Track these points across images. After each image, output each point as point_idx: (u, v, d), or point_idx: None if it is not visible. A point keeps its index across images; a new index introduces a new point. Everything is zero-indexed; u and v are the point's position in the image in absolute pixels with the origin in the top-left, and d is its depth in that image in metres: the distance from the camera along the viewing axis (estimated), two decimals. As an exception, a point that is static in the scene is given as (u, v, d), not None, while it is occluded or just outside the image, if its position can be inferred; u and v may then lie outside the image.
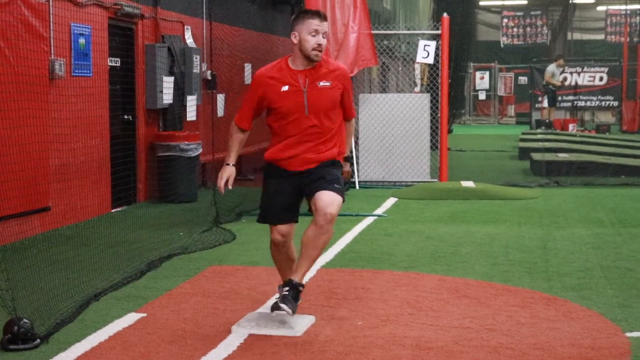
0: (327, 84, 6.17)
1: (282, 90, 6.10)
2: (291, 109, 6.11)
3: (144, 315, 6.62)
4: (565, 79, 30.83)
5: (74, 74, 11.06)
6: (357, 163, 15.78)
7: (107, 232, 10.51)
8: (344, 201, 6.18)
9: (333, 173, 6.18)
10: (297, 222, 6.33)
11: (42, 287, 7.22)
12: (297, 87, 6.11)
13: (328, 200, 6.02)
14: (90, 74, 11.46)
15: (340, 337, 6.01)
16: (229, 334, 6.09)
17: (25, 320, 5.82)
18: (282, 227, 6.23)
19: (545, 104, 28.57)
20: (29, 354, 5.64)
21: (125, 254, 9.00)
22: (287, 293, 6.07)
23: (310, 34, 6.08)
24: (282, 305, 6.00)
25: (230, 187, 6.25)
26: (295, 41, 6.13)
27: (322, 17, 6.17)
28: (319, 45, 6.08)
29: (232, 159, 6.33)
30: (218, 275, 8.09)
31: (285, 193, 6.24)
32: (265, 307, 6.82)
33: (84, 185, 11.17)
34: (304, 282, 6.22)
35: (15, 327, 5.75)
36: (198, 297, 7.20)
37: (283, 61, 6.23)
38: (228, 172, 6.26)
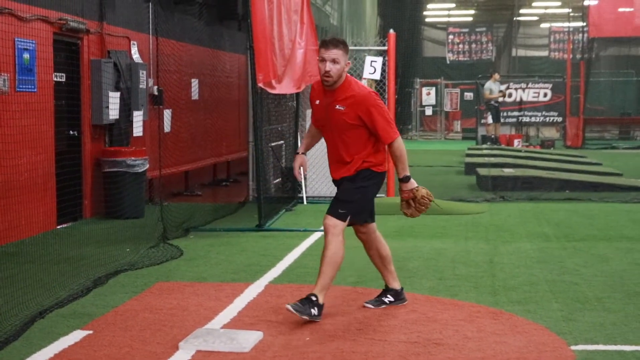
0: (342, 108, 6.88)
1: (316, 102, 7.05)
2: (321, 121, 7.06)
3: (90, 332, 6.55)
4: (507, 87, 31.14)
5: (18, 89, 10.95)
6: (305, 178, 15.78)
7: (52, 248, 10.40)
8: (361, 219, 7.44)
9: (349, 193, 7.10)
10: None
11: (-15, 305, 7.12)
12: (323, 104, 6.98)
13: (328, 217, 7.05)
14: (35, 90, 11.35)
15: (289, 353, 6.00)
16: (177, 350, 6.05)
17: (-32, 338, 5.74)
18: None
19: (490, 120, 28.83)
20: (-28, 373, 5.56)
21: (71, 271, 8.90)
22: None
23: (320, 62, 6.85)
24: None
25: (304, 174, 7.12)
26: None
27: (327, 45, 6.83)
28: (326, 72, 6.79)
29: (302, 148, 7.36)
30: (165, 291, 8.04)
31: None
32: (213, 323, 6.80)
33: (29, 201, 11.04)
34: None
35: (-42, 346, 5.67)
36: (145, 313, 7.15)
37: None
38: (298, 162, 7.29)
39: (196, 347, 6.08)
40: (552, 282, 8.48)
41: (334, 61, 6.77)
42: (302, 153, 7.34)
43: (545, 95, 32.30)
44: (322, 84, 6.95)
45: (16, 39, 10.84)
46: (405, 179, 7.31)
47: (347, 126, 6.88)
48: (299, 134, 15.89)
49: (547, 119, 32.52)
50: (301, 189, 15.52)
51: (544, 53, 43.46)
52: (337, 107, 6.86)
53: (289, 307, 6.66)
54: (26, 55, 11.12)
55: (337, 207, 7.01)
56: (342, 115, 6.86)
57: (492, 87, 28.30)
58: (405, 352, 6.03)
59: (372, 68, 15.64)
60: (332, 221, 6.99)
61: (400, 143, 7.05)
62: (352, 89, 6.89)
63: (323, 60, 6.80)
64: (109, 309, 7.35)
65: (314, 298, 6.75)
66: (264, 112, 13.51)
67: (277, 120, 15.60)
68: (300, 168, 7.29)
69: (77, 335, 6.47)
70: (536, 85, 32.44)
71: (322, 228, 12.05)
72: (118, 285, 8.34)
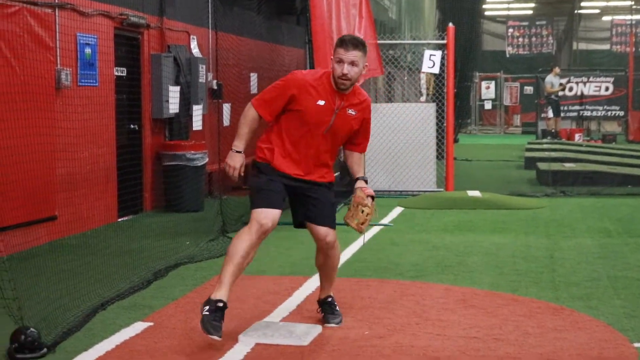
0: (353, 112, 6.28)
1: (318, 102, 6.15)
2: (315, 123, 6.16)
3: (151, 324, 6.62)
4: (568, 80, 30.78)
5: (80, 84, 11.08)
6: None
7: (113, 241, 10.52)
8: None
9: (330, 204, 6.42)
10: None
11: (48, 297, 7.22)
12: (331, 106, 6.18)
13: (323, 231, 6.34)
14: (97, 84, 11.48)
15: (347, 347, 6.00)
16: (236, 343, 6.08)
17: (32, 329, 5.82)
18: (276, 213, 6.13)
19: (550, 114, 28.55)
20: (36, 363, 5.64)
21: (132, 263, 9.00)
22: (327, 313, 6.62)
23: (337, 62, 6.17)
24: (334, 322, 6.56)
25: (242, 174, 6.19)
26: (331, 65, 6.23)
27: (347, 45, 6.16)
28: (344, 74, 6.11)
29: (242, 145, 6.24)
30: (224, 284, 8.07)
31: (279, 185, 6.21)
32: (272, 317, 6.82)
33: (91, 194, 11.18)
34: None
35: (22, 337, 5.75)
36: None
37: (325, 75, 6.25)
38: (239, 161, 6.18)
39: (255, 340, 6.11)
40: (614, 278, 8.38)
41: (352, 63, 6.12)
42: (242, 152, 6.25)
43: (606, 89, 31.86)
44: (329, 83, 6.21)
45: (78, 34, 10.97)
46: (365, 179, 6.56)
47: (350, 131, 6.34)
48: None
49: (609, 113, 32.08)
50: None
51: (606, 46, 42.86)
52: (349, 111, 6.25)
53: (334, 324, 6.54)
54: (88, 50, 11.25)
55: (332, 219, 6.41)
56: (352, 120, 6.28)
57: (553, 81, 28.03)
58: (464, 347, 5.99)
59: (431, 62, 15.59)
60: (334, 233, 6.43)
61: None
62: (361, 92, 6.41)
63: (341, 61, 6.13)
64: (169, 301, 7.41)
65: (333, 300, 6.71)
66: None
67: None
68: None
69: (137, 327, 6.54)
70: (597, 79, 32.01)
71: (381, 222, 12.13)
72: (178, 277, 8.41)
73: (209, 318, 5.80)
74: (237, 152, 6.19)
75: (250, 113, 6.22)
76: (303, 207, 6.37)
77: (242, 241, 5.99)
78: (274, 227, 6.10)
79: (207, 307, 5.86)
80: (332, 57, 6.24)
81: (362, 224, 6.36)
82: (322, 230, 6.35)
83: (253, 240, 5.99)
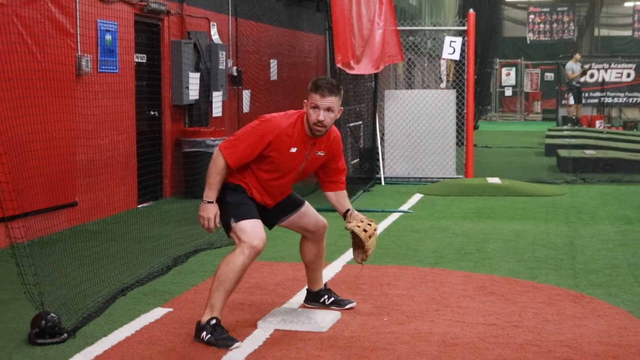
0: (322, 154, 6.14)
1: (290, 150, 5.94)
2: (286, 168, 6.01)
3: (170, 310, 6.64)
4: (589, 67, 30.56)
5: (101, 70, 11.11)
6: (383, 159, 15.76)
7: (133, 227, 10.56)
8: None
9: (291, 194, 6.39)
10: None
11: (69, 282, 7.25)
12: (302, 153, 6.00)
13: (320, 218, 6.46)
14: (117, 70, 11.51)
15: (366, 333, 6.01)
16: (255, 329, 6.11)
17: (52, 314, 5.86)
18: (262, 231, 5.94)
19: (571, 101, 28.39)
20: (57, 348, 5.67)
21: (152, 249, 9.03)
22: (336, 297, 6.71)
23: (312, 108, 5.92)
24: (352, 303, 6.70)
25: (218, 225, 5.94)
26: (305, 109, 6.01)
27: (323, 91, 5.89)
28: (319, 121, 5.89)
29: (214, 195, 5.90)
30: (244, 270, 8.09)
31: (253, 203, 6.07)
32: (291, 303, 6.84)
33: (111, 180, 11.22)
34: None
35: (43, 322, 5.79)
36: (224, 292, 7.21)
37: (300, 120, 6.00)
38: (213, 211, 5.88)
39: (274, 326, 6.13)
40: (635, 266, 8.35)
41: (328, 109, 5.87)
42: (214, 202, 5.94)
43: (628, 75, 31.66)
44: (303, 129, 5.97)
45: (99, 21, 11.00)
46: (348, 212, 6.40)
47: (315, 169, 6.26)
48: (377, 114, 15.85)
49: (630, 99, 31.88)
50: (379, 169, 15.49)
51: (628, 32, 42.54)
52: (318, 153, 6.09)
53: (353, 304, 6.69)
54: (108, 37, 11.27)
55: (311, 208, 6.45)
56: (320, 160, 6.16)
57: (574, 67, 27.88)
58: (483, 333, 5.99)
59: (452, 48, 15.55)
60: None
61: None
62: (332, 132, 6.18)
63: (316, 107, 5.86)
64: (189, 287, 7.44)
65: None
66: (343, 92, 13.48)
67: (356, 100, 15.59)
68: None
69: (157, 313, 6.57)
70: (619, 66, 31.80)
71: (401, 209, 12.12)
72: (197, 264, 8.44)
73: (215, 337, 5.71)
74: (209, 202, 5.88)
75: (219, 162, 5.86)
76: (274, 213, 6.29)
77: (235, 266, 5.76)
78: (265, 245, 5.90)
79: (204, 333, 5.74)
80: (305, 100, 5.98)
81: (368, 251, 6.39)
82: (317, 218, 6.43)
83: (245, 264, 5.80)
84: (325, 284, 6.76)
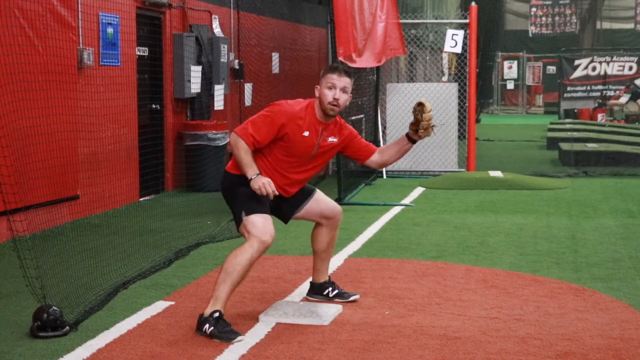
0: (335, 139, 6.26)
1: (303, 134, 6.06)
2: (299, 153, 6.11)
3: (172, 303, 6.65)
4: (591, 60, 30.43)
5: (102, 64, 11.11)
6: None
7: (135, 220, 10.56)
8: None
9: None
10: None
11: (71, 275, 7.26)
12: (314, 137, 6.12)
13: (335, 205, 6.59)
14: (119, 63, 11.50)
15: (368, 327, 6.02)
16: (257, 322, 6.11)
17: (54, 307, 5.87)
18: (272, 225, 5.97)
19: (623, 99, 28.19)
20: (58, 341, 5.68)
21: (154, 243, 9.04)
22: (339, 290, 6.74)
23: (328, 88, 6.09)
24: (355, 295, 6.76)
25: (277, 192, 5.97)
26: (317, 94, 6.16)
27: (340, 71, 6.14)
28: (335, 99, 6.07)
29: (255, 170, 5.95)
30: (245, 264, 8.09)
31: (265, 198, 6.02)
32: (293, 296, 6.84)
33: (113, 174, 11.22)
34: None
35: (45, 315, 5.79)
36: (226, 285, 7.21)
37: (310, 106, 6.17)
38: (263, 179, 5.90)
39: (276, 320, 6.13)
40: (637, 259, 8.35)
41: (343, 90, 6.11)
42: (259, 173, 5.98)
43: (630, 68, 31.63)
44: (314, 114, 6.13)
45: (100, 14, 10.99)
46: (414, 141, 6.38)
47: (330, 157, 6.41)
48: (379, 107, 15.84)
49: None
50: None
51: (630, 25, 42.47)
52: (330, 139, 6.22)
53: (357, 297, 6.76)
54: (110, 30, 11.26)
55: (323, 195, 6.61)
56: (334, 147, 6.31)
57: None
58: (485, 327, 5.99)
59: (454, 42, 15.53)
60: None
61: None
62: (345, 125, 6.38)
63: (333, 87, 6.08)
64: (191, 280, 7.45)
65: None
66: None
67: (357, 93, 15.57)
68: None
69: (159, 306, 6.57)
70: (621, 59, 31.78)
71: (403, 202, 12.13)
72: (199, 257, 8.44)
73: (218, 330, 5.71)
74: (257, 174, 5.94)
75: (241, 143, 5.94)
76: (287, 204, 6.35)
77: (243, 259, 5.78)
78: (273, 241, 5.97)
79: (206, 326, 5.74)
80: (317, 86, 6.16)
81: (426, 129, 6.30)
82: (333, 204, 6.54)
83: (254, 258, 5.82)
84: (329, 277, 6.77)
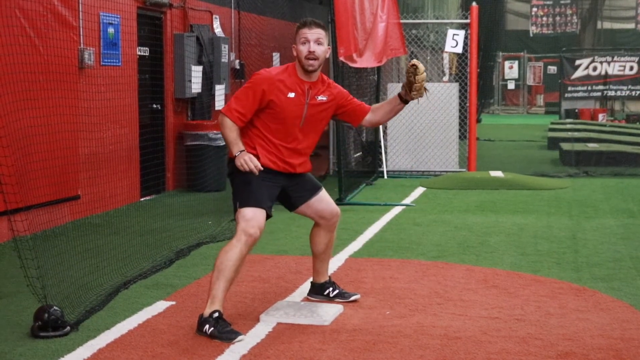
0: (325, 98, 6.17)
1: (288, 96, 6.00)
2: (289, 116, 6.03)
3: (173, 303, 6.65)
4: (592, 60, 30.42)
5: (103, 63, 11.11)
6: (386, 153, 15.75)
7: (136, 220, 10.57)
8: None
9: (310, 178, 6.39)
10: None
11: (72, 275, 7.27)
12: (301, 97, 6.06)
13: (334, 206, 6.47)
14: (119, 63, 11.50)
15: (369, 327, 6.02)
16: (258, 322, 6.11)
17: (55, 307, 5.87)
18: (263, 217, 5.95)
19: None
20: (59, 341, 5.68)
21: (154, 243, 9.04)
22: (340, 290, 6.74)
23: (302, 43, 6.06)
24: (355, 295, 6.75)
25: (261, 167, 5.88)
26: (295, 53, 6.13)
27: (310, 24, 6.09)
28: (311, 52, 6.02)
29: (239, 147, 5.91)
30: (246, 263, 8.05)
31: (270, 184, 6.05)
32: (294, 296, 6.84)
33: (113, 174, 11.22)
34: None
35: (46, 315, 5.79)
36: (226, 285, 7.21)
37: (290, 68, 6.15)
38: (249, 155, 5.85)
39: (277, 320, 6.13)
40: (637, 259, 8.34)
41: (317, 41, 6.04)
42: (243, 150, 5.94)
43: (631, 68, 31.59)
44: (295, 74, 6.08)
45: (101, 14, 10.99)
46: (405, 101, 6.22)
47: (324, 119, 6.25)
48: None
49: (633, 92, 31.81)
50: (382, 163, 15.49)
51: (631, 25, 42.43)
52: (319, 98, 6.13)
53: (357, 297, 6.74)
54: (111, 30, 11.26)
55: (328, 196, 6.50)
56: (327, 107, 6.18)
57: None
58: (486, 327, 5.99)
59: (454, 42, 15.52)
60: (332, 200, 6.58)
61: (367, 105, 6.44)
62: (324, 77, 6.25)
63: (306, 41, 6.04)
64: (191, 280, 7.45)
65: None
66: (345, 85, 13.48)
67: (358, 93, 15.56)
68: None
69: (160, 306, 6.57)
70: (622, 59, 31.74)
71: (403, 202, 12.12)
72: (200, 257, 8.44)
73: (218, 330, 5.70)
74: (241, 151, 5.89)
75: (226, 121, 5.94)
76: (297, 194, 6.31)
77: (234, 255, 5.76)
78: (262, 234, 5.94)
79: (207, 326, 5.73)
80: (294, 45, 6.15)
81: (418, 91, 6.08)
82: (332, 204, 6.46)
83: (243, 252, 5.80)
84: (329, 277, 6.76)
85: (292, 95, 6.02)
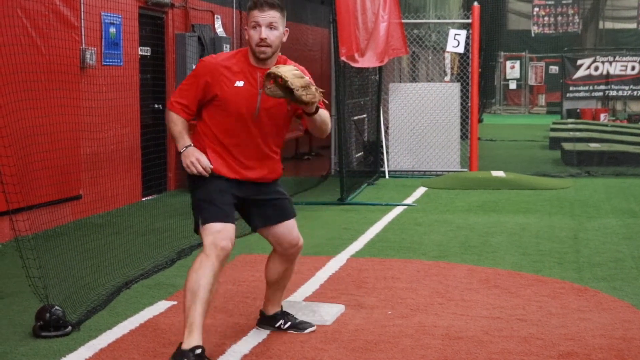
0: None
1: (236, 84, 5.21)
2: (240, 109, 5.22)
3: (175, 303, 6.65)
4: (594, 60, 30.44)
5: (105, 63, 11.11)
6: (387, 152, 15.75)
7: (137, 220, 10.56)
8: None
9: (289, 201, 5.66)
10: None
11: (73, 275, 7.26)
12: (252, 86, 5.23)
13: (295, 235, 5.65)
14: (121, 63, 11.50)
15: (370, 326, 6.02)
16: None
17: (57, 307, 5.87)
18: (232, 230, 5.26)
19: None
20: (61, 341, 5.68)
21: (156, 242, 9.03)
22: (295, 320, 5.94)
23: (252, 28, 5.22)
24: (311, 326, 5.93)
25: (211, 165, 5.25)
26: (246, 37, 5.31)
27: (262, 5, 5.18)
28: (262, 39, 5.16)
29: (188, 140, 5.29)
30: (248, 263, 8.11)
31: (227, 193, 5.31)
32: (295, 296, 6.84)
33: (115, 173, 11.22)
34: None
35: (47, 315, 5.79)
36: (228, 285, 7.22)
37: (242, 53, 5.34)
38: (194, 154, 5.23)
39: (278, 319, 6.12)
40: (639, 259, 8.34)
41: (270, 26, 5.15)
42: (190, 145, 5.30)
43: (633, 68, 31.57)
44: (247, 60, 5.27)
45: (103, 14, 10.99)
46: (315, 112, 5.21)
47: (284, 113, 5.34)
48: (381, 107, 15.84)
49: (635, 92, 31.80)
50: (383, 163, 15.48)
51: (633, 25, 42.43)
52: None
53: (313, 327, 5.92)
54: (112, 30, 11.26)
55: (293, 211, 5.67)
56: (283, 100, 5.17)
57: None
58: (487, 327, 5.99)
59: (456, 41, 15.53)
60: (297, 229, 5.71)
61: None
62: (289, 62, 5.36)
63: (257, 25, 5.15)
64: (193, 280, 7.43)
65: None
66: (347, 85, 13.49)
67: (360, 93, 15.58)
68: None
69: (161, 306, 6.57)
70: (624, 59, 31.72)
71: (405, 202, 12.12)
72: (202, 257, 8.42)
73: None
74: (187, 147, 5.28)
75: (169, 115, 5.32)
76: (259, 210, 5.52)
77: (204, 271, 5.06)
78: (233, 246, 5.28)
79: None
80: (245, 27, 5.29)
81: (306, 95, 5.00)
82: (294, 234, 5.64)
83: (215, 267, 5.09)
84: (281, 307, 5.99)
85: (240, 84, 5.21)
